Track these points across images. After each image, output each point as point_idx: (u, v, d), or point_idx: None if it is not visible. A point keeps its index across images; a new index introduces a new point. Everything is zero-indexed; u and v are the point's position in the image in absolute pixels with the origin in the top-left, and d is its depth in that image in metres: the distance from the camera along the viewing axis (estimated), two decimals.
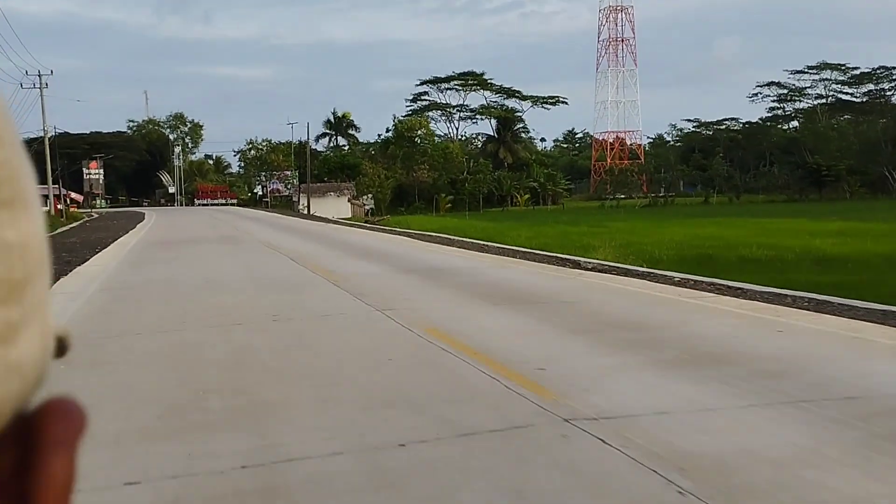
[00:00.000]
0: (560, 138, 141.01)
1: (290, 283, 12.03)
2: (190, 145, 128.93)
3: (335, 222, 43.83)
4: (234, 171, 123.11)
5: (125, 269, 15.34)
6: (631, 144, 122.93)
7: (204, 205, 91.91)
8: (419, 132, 79.91)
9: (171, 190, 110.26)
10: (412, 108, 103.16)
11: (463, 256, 16.74)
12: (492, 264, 14.47)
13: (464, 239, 23.07)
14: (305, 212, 66.65)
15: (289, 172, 78.00)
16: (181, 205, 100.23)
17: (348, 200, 71.45)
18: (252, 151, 79.50)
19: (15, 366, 0.25)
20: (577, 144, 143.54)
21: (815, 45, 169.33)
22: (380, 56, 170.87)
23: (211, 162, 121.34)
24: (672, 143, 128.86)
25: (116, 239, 27.94)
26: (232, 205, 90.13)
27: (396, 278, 12.34)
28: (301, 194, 70.29)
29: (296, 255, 17.22)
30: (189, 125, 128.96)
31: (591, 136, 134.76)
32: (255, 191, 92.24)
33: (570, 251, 19.82)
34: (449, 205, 77.44)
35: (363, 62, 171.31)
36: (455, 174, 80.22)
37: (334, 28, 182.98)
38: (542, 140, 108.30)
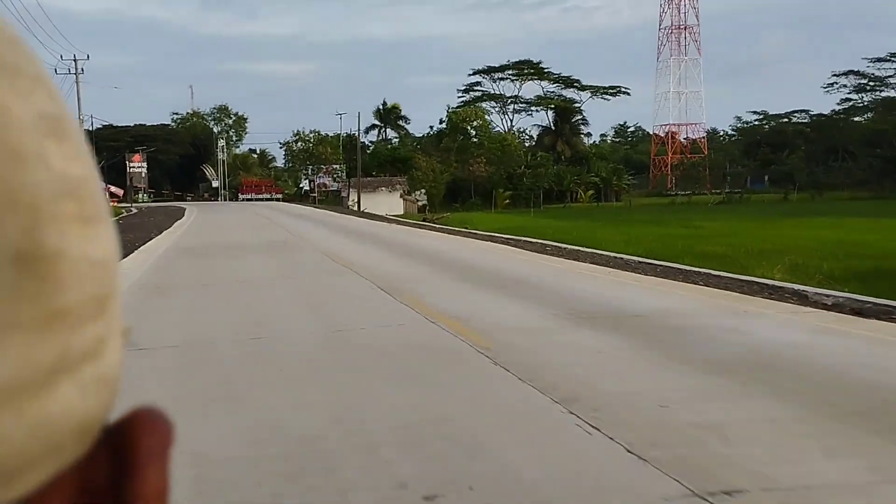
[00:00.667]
0: (609, 132, 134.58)
1: (400, 348, 6.78)
2: (234, 138, 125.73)
3: (393, 221, 38.78)
4: (279, 164, 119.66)
5: (134, 304, 10.27)
6: (688, 138, 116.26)
7: (248, 199, 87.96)
8: (474, 123, 74.43)
9: (215, 184, 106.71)
10: (464, 99, 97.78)
11: (626, 281, 11.36)
12: (708, 305, 8.97)
13: (581, 249, 17.68)
14: (356, 208, 61.82)
15: (337, 166, 73.26)
16: (225, 199, 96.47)
17: (401, 196, 66.40)
18: (299, 143, 74.79)
19: (106, 378, 0.26)
20: (630, 139, 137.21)
21: (881, 38, 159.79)
22: (419, 52, 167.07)
23: (255, 155, 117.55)
24: (734, 136, 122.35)
25: (146, 242, 23.11)
26: (277, 200, 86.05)
27: (596, 343, 6.93)
28: (350, 189, 65.44)
29: (377, 275, 12.01)
30: (233, 118, 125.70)
31: (643, 129, 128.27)
32: (300, 185, 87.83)
33: (698, 262, 14.47)
34: (507, 200, 71.95)
35: (403, 58, 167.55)
36: (513, 168, 74.64)
37: (374, 24, 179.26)
38: (588, 135, 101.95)
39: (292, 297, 10.21)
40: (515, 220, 48.82)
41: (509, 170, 73.86)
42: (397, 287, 10.66)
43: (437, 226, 35.87)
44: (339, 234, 26.03)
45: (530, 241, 20.05)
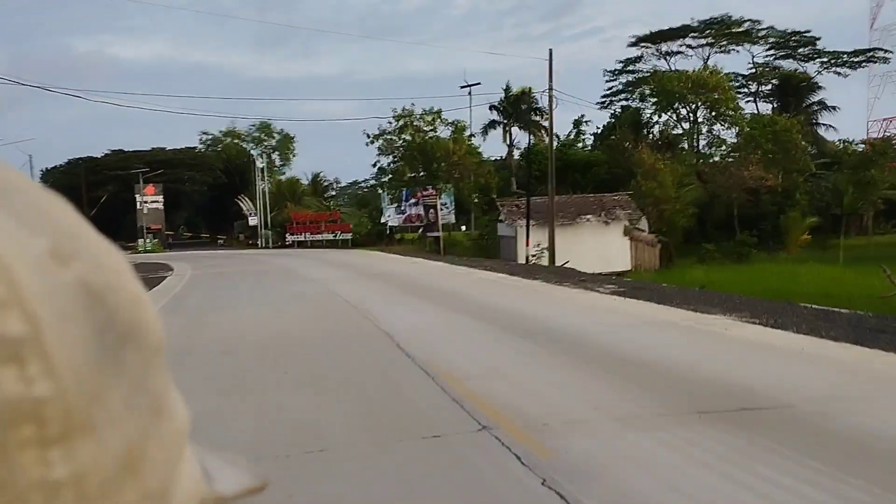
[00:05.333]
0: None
1: None
2: (278, 162, 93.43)
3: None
4: (334, 192, 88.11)
5: None
6: None
7: (301, 243, 55.26)
8: (715, 95, 39.71)
9: (253, 221, 73.44)
10: (613, 84, 63.60)
11: None
12: None
13: None
14: (537, 258, 28.06)
15: (447, 185, 39.24)
16: (267, 243, 63.78)
17: (626, 233, 32.10)
18: (406, 135, 40.34)
19: None
20: None
21: None
22: (459, 85, 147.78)
23: (305, 182, 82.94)
24: None
25: None
26: (345, 242, 53.04)
27: None
28: (519, 221, 31.62)
29: None
30: (278, 137, 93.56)
31: None
32: (383, 220, 53.52)
33: None
34: (807, 235, 37.43)
35: (445, 93, 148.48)
36: (794, 176, 39.89)
37: (416, 61, 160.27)
38: (832, 128, 65.81)
39: None
40: None
41: (791, 179, 39.15)
42: None
43: None
44: None
45: None
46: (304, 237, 56.45)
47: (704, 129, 40.21)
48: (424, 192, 40.53)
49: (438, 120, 39.24)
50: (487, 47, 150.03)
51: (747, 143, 38.28)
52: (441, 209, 40.62)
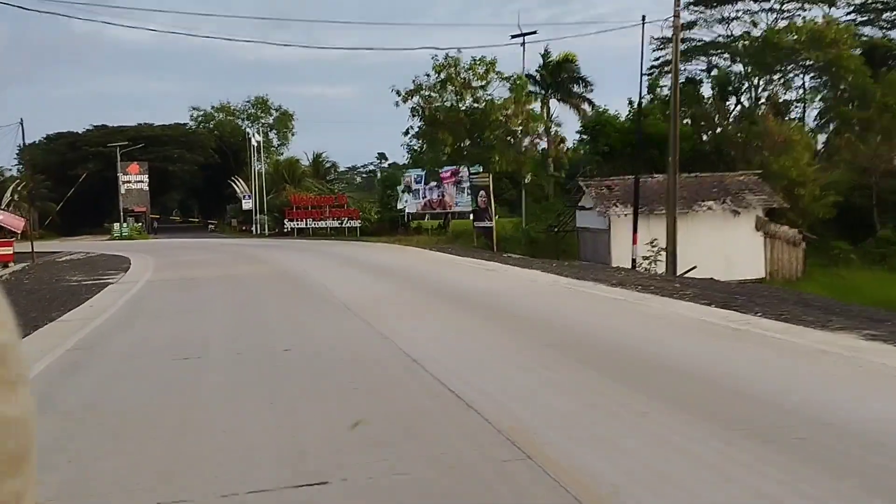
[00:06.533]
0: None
1: None
2: (276, 142, 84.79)
3: None
4: (333, 177, 79.50)
5: None
6: None
7: (301, 230, 47.04)
8: (831, 53, 30.66)
9: (247, 204, 64.64)
10: (659, 55, 54.55)
11: None
12: None
13: None
14: (655, 264, 19.40)
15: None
16: (262, 230, 55.39)
17: (760, 227, 23.33)
18: (450, 93, 30.20)
19: None
20: None
21: None
22: (511, 35, 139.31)
23: (306, 163, 73.59)
24: None
25: None
26: (352, 231, 44.77)
27: None
28: (613, 209, 22.88)
29: None
30: (276, 113, 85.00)
31: None
32: (400, 205, 44.81)
33: None
34: None
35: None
36: None
37: (415, 46, 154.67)
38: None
39: None
40: None
41: None
42: None
43: None
44: None
45: None
46: (306, 224, 48.11)
47: (818, 97, 31.49)
48: (472, 173, 31.57)
49: (493, 73, 30.11)
50: (488, 33, 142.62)
51: (880, 114, 29.55)
52: (481, 194, 31.72)
